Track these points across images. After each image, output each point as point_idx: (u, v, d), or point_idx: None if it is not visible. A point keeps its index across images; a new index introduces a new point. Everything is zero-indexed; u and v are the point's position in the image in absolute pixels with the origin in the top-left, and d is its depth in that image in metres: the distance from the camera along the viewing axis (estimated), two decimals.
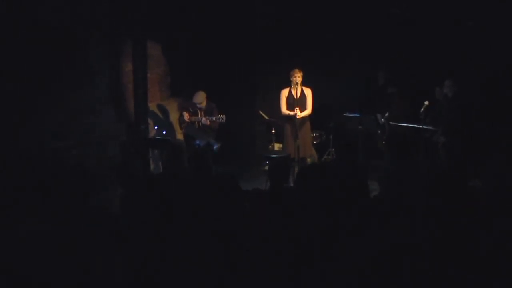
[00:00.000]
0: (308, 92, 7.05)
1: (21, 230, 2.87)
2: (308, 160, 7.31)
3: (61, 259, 2.74)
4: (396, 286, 2.64)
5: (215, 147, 7.26)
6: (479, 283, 2.61)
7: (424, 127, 6.81)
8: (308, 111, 7.03)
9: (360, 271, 2.66)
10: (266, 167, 6.52)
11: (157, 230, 3.09)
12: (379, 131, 7.77)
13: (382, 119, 7.56)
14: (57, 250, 2.77)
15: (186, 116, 7.41)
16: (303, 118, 6.98)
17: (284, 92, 7.11)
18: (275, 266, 2.72)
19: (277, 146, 7.90)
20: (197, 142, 7.30)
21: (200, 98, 7.37)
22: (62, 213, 3.04)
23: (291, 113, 6.93)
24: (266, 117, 8.14)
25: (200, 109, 7.42)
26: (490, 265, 2.65)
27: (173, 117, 8.00)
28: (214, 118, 7.26)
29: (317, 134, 7.99)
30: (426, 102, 6.78)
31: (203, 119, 7.27)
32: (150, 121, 7.29)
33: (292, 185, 4.63)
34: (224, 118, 7.26)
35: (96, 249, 2.83)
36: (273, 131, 7.83)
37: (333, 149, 8.14)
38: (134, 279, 2.77)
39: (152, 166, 6.06)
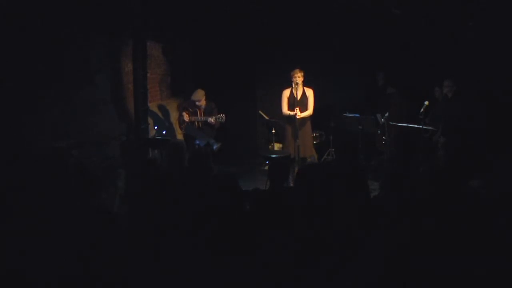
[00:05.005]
0: (309, 93, 7.05)
1: (21, 230, 2.87)
2: (308, 160, 7.32)
3: (61, 259, 2.74)
4: (399, 286, 2.65)
5: (214, 147, 7.27)
6: (479, 282, 2.62)
7: (424, 127, 6.81)
8: (309, 111, 7.03)
9: (360, 271, 2.66)
10: (266, 167, 6.52)
11: (157, 230, 3.09)
12: (379, 131, 7.77)
13: (382, 119, 7.57)
14: (57, 250, 2.77)
15: (185, 116, 7.42)
16: (303, 118, 6.98)
17: (286, 93, 7.12)
18: (275, 266, 2.73)
19: (277, 146, 7.90)
20: (197, 142, 7.31)
21: (199, 96, 7.37)
22: (62, 213, 3.04)
23: (291, 113, 6.94)
24: (266, 117, 8.15)
25: (199, 107, 7.42)
26: (490, 264, 2.66)
27: (173, 117, 8.01)
28: (214, 118, 7.27)
29: (317, 134, 7.99)
30: (426, 102, 6.78)
31: (210, 118, 7.28)
32: (150, 121, 7.30)
33: (292, 185, 4.64)
34: (224, 118, 7.26)
35: (96, 249, 2.83)
36: (273, 131, 7.83)
37: (333, 149, 8.15)
38: (135, 279, 2.78)
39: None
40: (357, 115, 7.49)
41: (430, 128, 6.97)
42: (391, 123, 7.46)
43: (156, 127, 7.46)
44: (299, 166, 6.82)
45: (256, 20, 7.82)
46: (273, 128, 7.84)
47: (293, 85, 7.01)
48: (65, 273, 2.69)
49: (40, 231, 2.85)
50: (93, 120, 6.17)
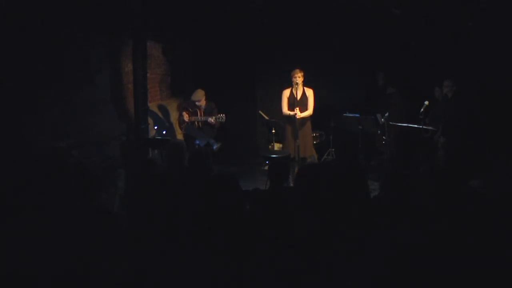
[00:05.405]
0: (310, 93, 7.05)
1: (21, 230, 2.87)
2: (308, 160, 7.32)
3: (61, 259, 2.74)
4: (399, 286, 2.65)
5: (214, 147, 7.27)
6: (479, 282, 2.62)
7: (424, 127, 6.81)
8: (309, 111, 7.03)
9: (361, 271, 2.66)
10: (266, 167, 6.52)
11: (157, 230, 3.09)
12: (379, 131, 7.78)
13: (382, 119, 7.57)
14: (57, 250, 2.77)
15: (185, 116, 7.42)
16: (303, 118, 6.98)
17: (286, 92, 7.12)
18: (275, 266, 2.73)
19: (277, 146, 7.91)
20: (197, 142, 7.31)
21: (199, 96, 7.38)
22: (62, 213, 3.04)
23: (291, 113, 6.94)
24: (266, 117, 8.15)
25: (199, 107, 7.43)
26: (490, 264, 2.66)
27: (173, 117, 8.01)
28: (214, 118, 7.28)
29: (317, 134, 7.99)
30: (426, 102, 6.78)
31: (210, 118, 7.29)
32: (150, 121, 7.30)
33: (292, 185, 4.64)
34: (224, 118, 7.27)
35: (96, 249, 2.83)
36: (273, 131, 7.84)
37: (333, 149, 8.15)
38: (135, 279, 2.78)
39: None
40: (357, 115, 7.49)
41: (430, 128, 6.97)
42: (391, 123, 7.46)
43: (156, 127, 7.46)
44: (299, 166, 6.82)
45: (256, 20, 7.82)
46: (273, 128, 7.84)
47: (293, 85, 7.02)
48: (65, 273, 2.69)
49: (40, 231, 2.85)
50: (93, 120, 6.17)
